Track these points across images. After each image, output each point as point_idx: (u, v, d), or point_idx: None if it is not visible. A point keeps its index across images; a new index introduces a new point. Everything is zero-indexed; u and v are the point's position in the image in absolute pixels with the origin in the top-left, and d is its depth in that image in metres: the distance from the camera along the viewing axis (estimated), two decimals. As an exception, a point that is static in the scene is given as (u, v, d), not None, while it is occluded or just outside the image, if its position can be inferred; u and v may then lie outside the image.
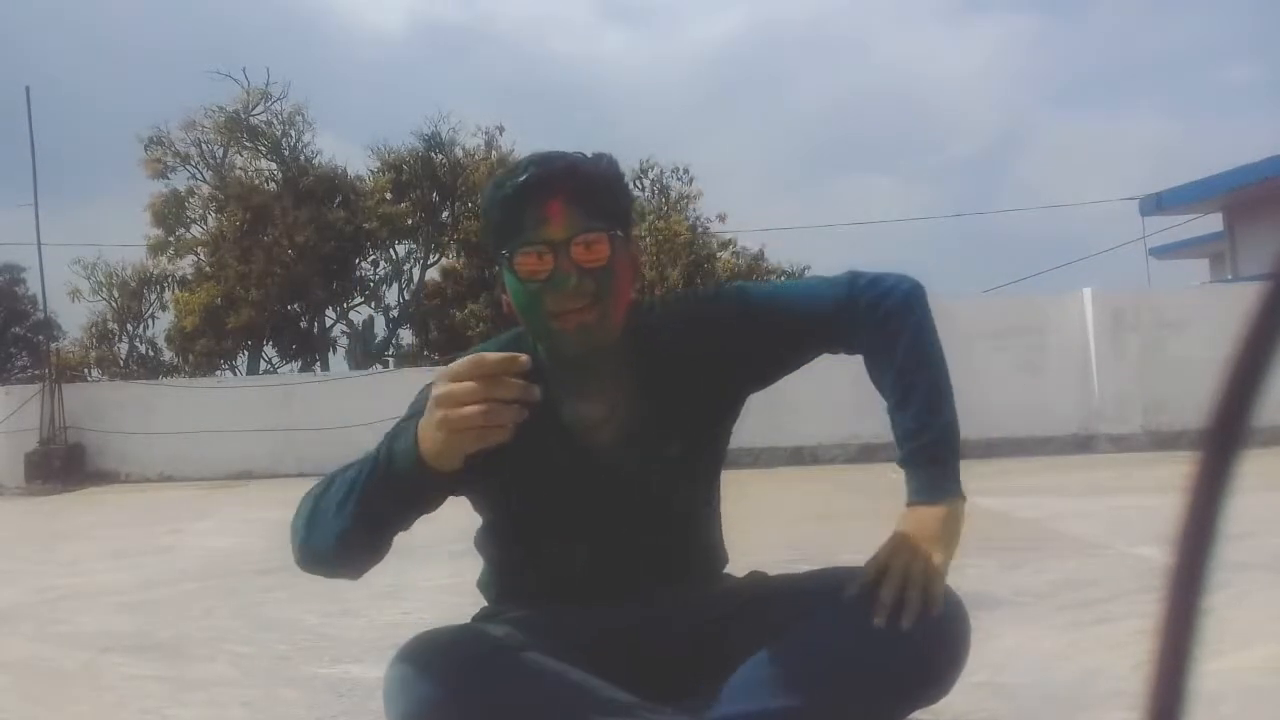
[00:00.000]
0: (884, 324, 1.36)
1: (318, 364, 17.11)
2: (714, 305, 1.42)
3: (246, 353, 17.42)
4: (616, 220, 1.30)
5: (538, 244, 1.25)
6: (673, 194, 17.95)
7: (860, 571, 1.32)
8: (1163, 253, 17.03)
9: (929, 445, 1.34)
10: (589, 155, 1.33)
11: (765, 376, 1.44)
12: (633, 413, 1.37)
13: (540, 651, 1.26)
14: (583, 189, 1.27)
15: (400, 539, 1.35)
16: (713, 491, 1.49)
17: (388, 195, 17.60)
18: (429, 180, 17.68)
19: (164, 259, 18.20)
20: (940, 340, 1.39)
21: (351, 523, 1.18)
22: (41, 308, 15.96)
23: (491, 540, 1.48)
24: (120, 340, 18.14)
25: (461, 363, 1.09)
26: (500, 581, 1.48)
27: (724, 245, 18.07)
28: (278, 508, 6.59)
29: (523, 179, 1.26)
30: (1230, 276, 13.33)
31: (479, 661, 1.20)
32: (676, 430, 1.39)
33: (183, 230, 18.13)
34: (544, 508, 1.39)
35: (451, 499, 1.31)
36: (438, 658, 1.22)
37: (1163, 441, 8.21)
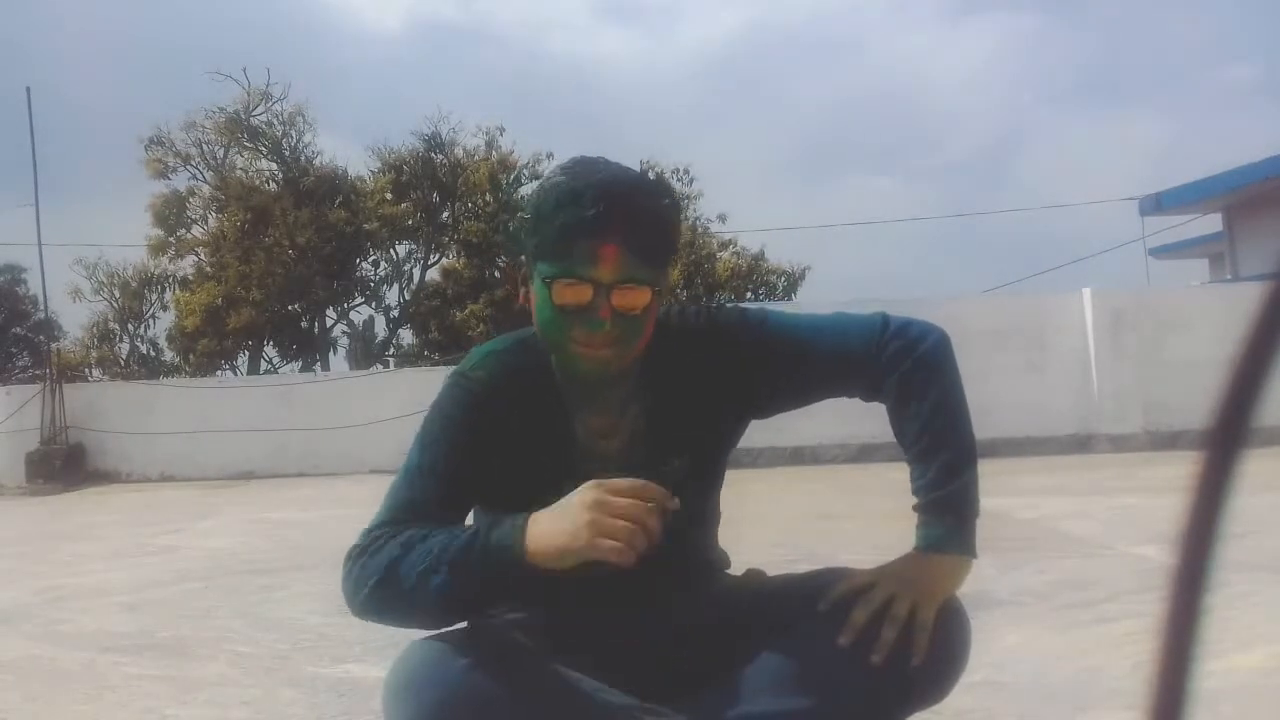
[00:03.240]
0: (913, 373, 1.33)
1: (318, 364, 17.12)
2: (736, 329, 1.39)
3: (247, 353, 17.44)
4: (662, 267, 1.29)
5: (583, 279, 1.23)
6: (673, 194, 17.98)
7: (855, 575, 1.32)
8: (1162, 253, 17.04)
9: (951, 497, 1.31)
10: (653, 186, 1.30)
11: (776, 408, 1.43)
12: (639, 425, 1.38)
13: (538, 655, 1.27)
14: (640, 234, 1.24)
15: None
16: (713, 503, 1.49)
17: (388, 196, 17.61)
18: (429, 181, 17.70)
19: (165, 259, 18.23)
20: (965, 393, 1.36)
21: (434, 601, 1.18)
22: (42, 308, 15.99)
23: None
24: (121, 340, 18.18)
25: (628, 483, 1.14)
26: None
27: (724, 245, 18.12)
28: (278, 508, 6.56)
29: (590, 212, 1.21)
30: (1230, 276, 13.32)
31: (478, 667, 1.20)
32: (680, 446, 1.38)
33: (183, 230, 18.16)
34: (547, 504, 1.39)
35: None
36: (437, 664, 1.21)
37: (1162, 441, 8.21)
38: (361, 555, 1.23)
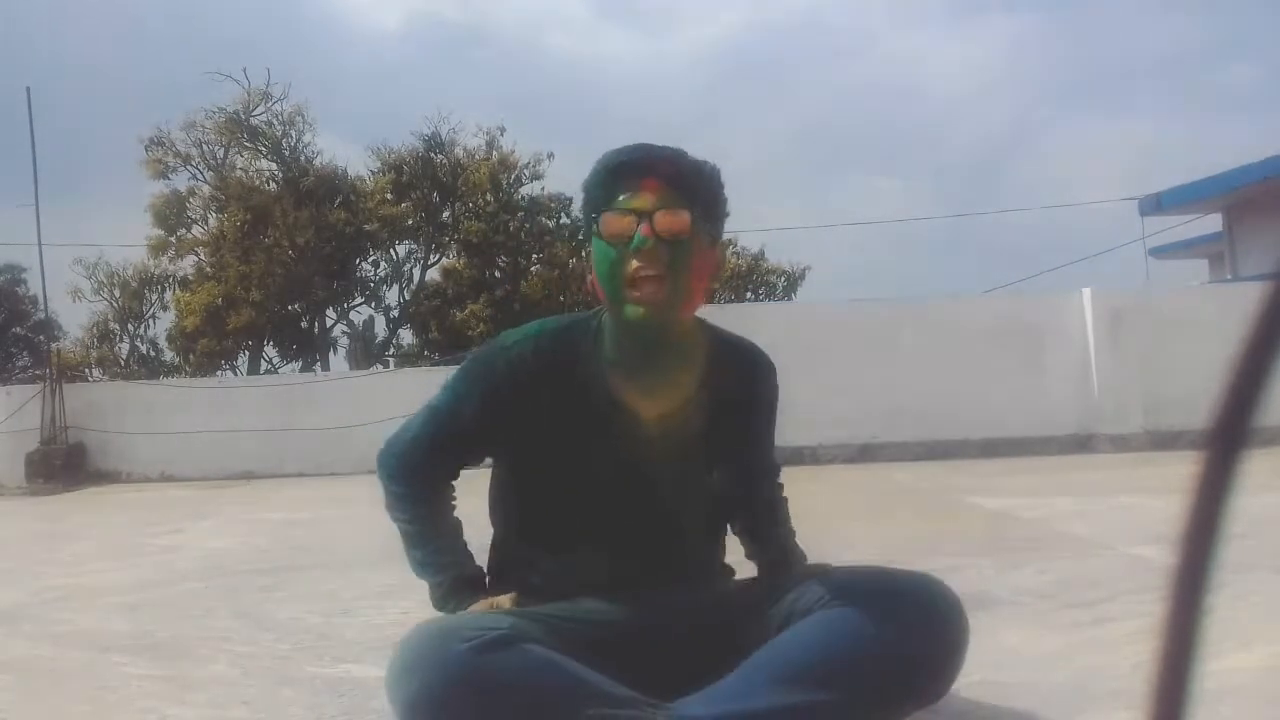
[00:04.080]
0: (786, 519, 1.80)
1: (318, 364, 17.13)
2: (770, 373, 1.60)
3: (247, 353, 17.45)
4: (704, 211, 1.40)
5: (626, 210, 1.34)
6: (673, 194, 17.97)
7: (858, 572, 1.43)
8: (1162, 253, 17.04)
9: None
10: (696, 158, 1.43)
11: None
12: (688, 427, 1.44)
13: (542, 643, 1.28)
14: (678, 175, 1.37)
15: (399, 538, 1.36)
16: (725, 519, 1.62)
17: (388, 196, 17.61)
18: (429, 181, 17.70)
19: (165, 259, 18.24)
20: None
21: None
22: (43, 308, 16.00)
23: (510, 505, 1.52)
24: (121, 340, 18.20)
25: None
26: (513, 560, 1.52)
27: (724, 245, 18.07)
28: (278, 508, 6.54)
29: (626, 157, 1.38)
30: (1230, 277, 13.32)
31: (480, 650, 1.22)
32: (729, 459, 1.50)
33: (183, 230, 18.17)
34: (578, 490, 1.42)
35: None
36: (439, 646, 1.23)
37: (1162, 441, 8.20)
38: (393, 484, 1.57)
